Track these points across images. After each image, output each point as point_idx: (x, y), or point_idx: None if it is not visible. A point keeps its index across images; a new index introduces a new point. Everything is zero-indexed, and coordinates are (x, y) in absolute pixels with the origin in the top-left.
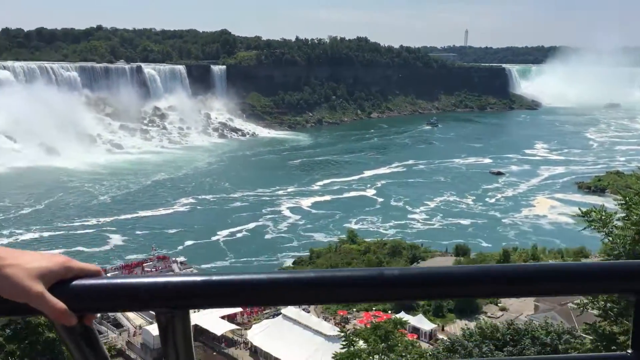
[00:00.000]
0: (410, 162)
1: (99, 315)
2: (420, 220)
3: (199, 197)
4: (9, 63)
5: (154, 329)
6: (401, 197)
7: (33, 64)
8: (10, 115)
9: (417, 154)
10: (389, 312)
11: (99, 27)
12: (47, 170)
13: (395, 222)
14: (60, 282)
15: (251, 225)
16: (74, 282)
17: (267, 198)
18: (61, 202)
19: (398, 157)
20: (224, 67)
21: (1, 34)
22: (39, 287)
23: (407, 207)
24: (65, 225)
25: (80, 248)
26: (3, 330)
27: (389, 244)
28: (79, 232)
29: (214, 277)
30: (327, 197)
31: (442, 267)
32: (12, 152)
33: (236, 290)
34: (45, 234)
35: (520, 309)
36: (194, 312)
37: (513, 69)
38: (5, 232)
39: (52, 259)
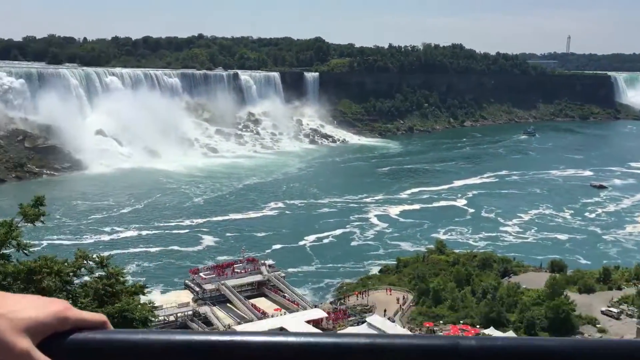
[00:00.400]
0: (504, 172)
1: None
2: (513, 233)
3: (288, 201)
4: (118, 70)
5: (244, 329)
6: (493, 209)
7: (139, 71)
8: (119, 120)
9: (512, 165)
10: (477, 326)
11: (200, 36)
12: (148, 172)
13: (486, 234)
14: (54, 335)
15: (338, 232)
16: (71, 337)
17: (355, 205)
18: (159, 203)
19: (491, 167)
20: (317, 74)
21: (111, 43)
22: (24, 343)
23: (499, 218)
24: (162, 224)
25: (175, 247)
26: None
27: (479, 256)
28: (174, 232)
29: (237, 338)
30: (416, 206)
31: (536, 338)
32: (119, 155)
33: (266, 356)
34: (144, 233)
35: (621, 332)
36: (280, 313)
37: (619, 76)
38: (107, 229)
39: (45, 308)
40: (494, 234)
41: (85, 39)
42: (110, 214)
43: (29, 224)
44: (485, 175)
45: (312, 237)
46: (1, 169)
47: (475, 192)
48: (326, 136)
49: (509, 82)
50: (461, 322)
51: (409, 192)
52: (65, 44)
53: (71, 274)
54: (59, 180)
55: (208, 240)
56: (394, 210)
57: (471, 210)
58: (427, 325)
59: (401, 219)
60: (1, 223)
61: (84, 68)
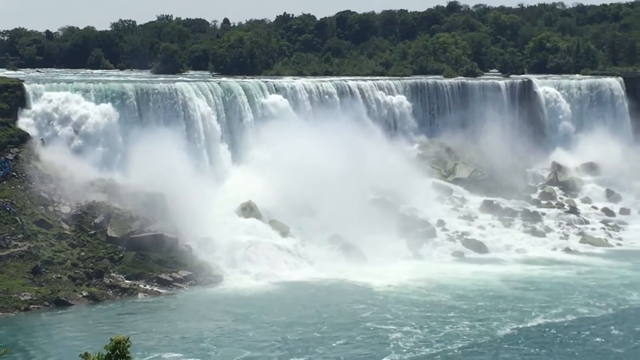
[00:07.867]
0: None
1: None
2: None
3: None
4: (287, 81)
5: None
6: None
7: (327, 82)
8: (284, 185)
9: None
10: None
11: (453, 3)
12: (337, 290)
13: None
14: None
15: None
16: None
17: None
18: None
19: None
20: None
21: (274, 27)
22: None
23: None
24: None
25: None
26: None
27: None
28: None
29: None
30: None
31: None
32: (281, 253)
33: None
34: None
35: None
36: None
37: None
38: None
39: None
40: None
41: (225, 21)
42: None
43: None
44: None
45: None
46: (63, 281)
47: None
48: None
49: None
50: None
51: None
52: (191, 32)
53: None
54: (165, 304)
55: None
56: None
57: None
58: None
59: None
60: None
61: (222, 80)
